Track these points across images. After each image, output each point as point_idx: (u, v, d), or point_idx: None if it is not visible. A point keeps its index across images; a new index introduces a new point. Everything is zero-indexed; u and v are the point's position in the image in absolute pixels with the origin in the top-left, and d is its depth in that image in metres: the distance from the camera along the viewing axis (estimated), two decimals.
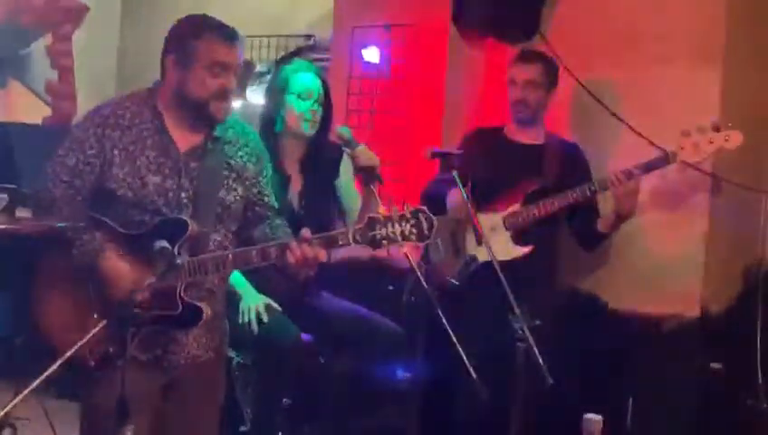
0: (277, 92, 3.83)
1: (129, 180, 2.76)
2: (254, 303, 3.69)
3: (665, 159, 3.80)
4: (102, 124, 2.79)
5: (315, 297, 3.95)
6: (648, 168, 3.82)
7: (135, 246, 2.72)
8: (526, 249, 3.94)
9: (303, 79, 3.82)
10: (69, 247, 2.73)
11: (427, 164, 4.45)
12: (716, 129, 3.76)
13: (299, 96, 3.78)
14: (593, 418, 2.84)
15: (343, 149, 3.62)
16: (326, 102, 3.85)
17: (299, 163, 3.85)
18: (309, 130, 3.79)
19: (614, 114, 4.17)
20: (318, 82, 3.84)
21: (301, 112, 3.77)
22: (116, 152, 2.77)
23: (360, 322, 3.90)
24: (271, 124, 3.82)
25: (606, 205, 3.99)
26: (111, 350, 2.65)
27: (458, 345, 3.02)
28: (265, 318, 3.67)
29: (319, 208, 3.85)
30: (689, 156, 3.78)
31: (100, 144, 2.77)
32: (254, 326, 3.65)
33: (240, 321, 3.65)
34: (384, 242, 2.69)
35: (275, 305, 3.76)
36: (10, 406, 2.44)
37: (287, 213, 3.45)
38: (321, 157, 3.84)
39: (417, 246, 2.79)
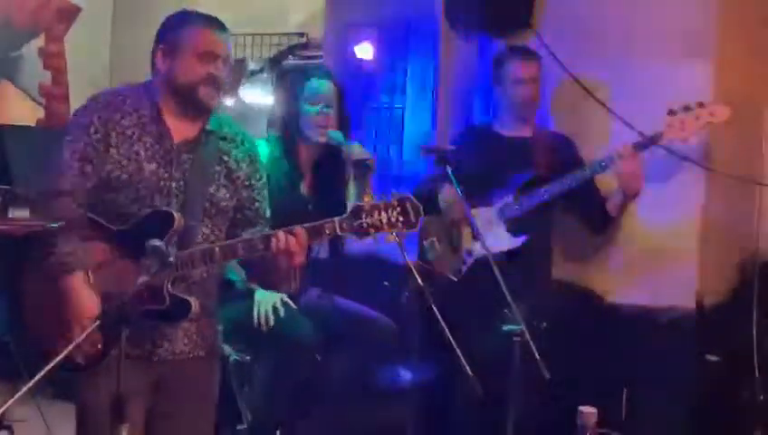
0: (291, 99, 3.90)
1: (125, 163, 2.77)
2: (270, 297, 3.72)
3: (653, 139, 3.84)
4: (105, 107, 2.80)
5: (308, 294, 3.95)
6: (636, 147, 3.85)
7: (124, 241, 2.72)
8: (522, 238, 3.97)
9: (313, 85, 3.88)
10: (46, 251, 2.71)
11: (420, 160, 4.48)
12: (701, 105, 3.81)
13: (309, 102, 3.84)
14: (588, 410, 2.84)
15: (340, 149, 3.70)
16: (340, 107, 3.90)
17: (312, 165, 3.92)
18: (319, 134, 3.82)
19: (606, 107, 4.17)
20: (327, 86, 3.88)
21: (311, 118, 3.83)
22: (113, 134, 2.78)
23: (354, 318, 3.92)
24: (287, 130, 3.89)
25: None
26: (100, 347, 2.65)
27: (453, 341, 3.02)
28: (282, 313, 3.71)
29: (328, 209, 3.86)
30: (676, 133, 3.82)
31: (105, 128, 2.77)
32: (270, 320, 3.69)
33: (255, 314, 3.69)
34: (371, 230, 2.67)
35: (291, 303, 3.78)
36: (4, 408, 2.44)
37: (297, 211, 3.51)
38: (333, 161, 3.85)
39: (403, 233, 2.77)
